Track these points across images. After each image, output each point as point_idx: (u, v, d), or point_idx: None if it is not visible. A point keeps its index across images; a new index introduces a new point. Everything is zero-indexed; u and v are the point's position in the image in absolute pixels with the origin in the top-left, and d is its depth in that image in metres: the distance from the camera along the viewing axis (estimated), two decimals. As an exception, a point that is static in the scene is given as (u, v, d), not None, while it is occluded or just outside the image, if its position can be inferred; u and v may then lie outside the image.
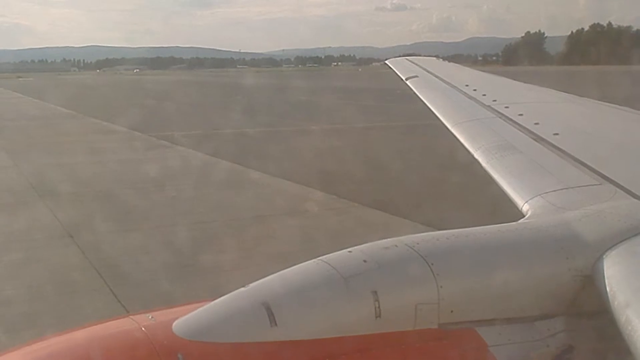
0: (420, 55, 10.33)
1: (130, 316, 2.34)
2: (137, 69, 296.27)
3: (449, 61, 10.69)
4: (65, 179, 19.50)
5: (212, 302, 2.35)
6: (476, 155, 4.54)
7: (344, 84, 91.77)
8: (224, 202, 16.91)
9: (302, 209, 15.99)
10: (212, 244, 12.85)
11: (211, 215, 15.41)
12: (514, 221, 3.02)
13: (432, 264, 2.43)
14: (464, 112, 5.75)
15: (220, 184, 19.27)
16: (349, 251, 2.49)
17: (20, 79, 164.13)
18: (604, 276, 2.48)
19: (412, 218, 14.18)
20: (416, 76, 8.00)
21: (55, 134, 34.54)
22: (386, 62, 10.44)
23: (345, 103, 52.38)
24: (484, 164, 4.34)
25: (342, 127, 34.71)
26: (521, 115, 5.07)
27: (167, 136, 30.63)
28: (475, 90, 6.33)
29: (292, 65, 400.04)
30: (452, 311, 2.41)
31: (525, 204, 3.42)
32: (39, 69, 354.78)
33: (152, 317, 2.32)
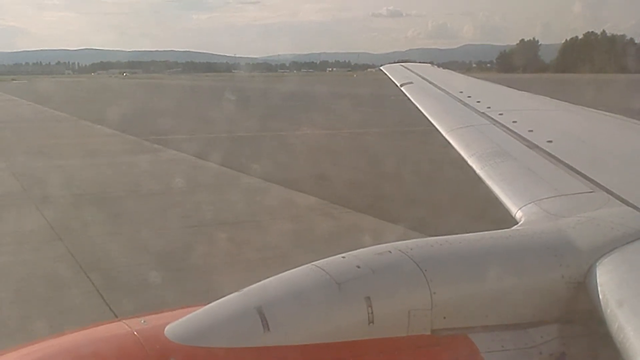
0: (415, 62, 10.33)
1: (123, 320, 2.33)
2: (125, 72, 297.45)
3: (444, 68, 10.72)
4: (50, 178, 19.62)
5: (205, 307, 2.34)
6: (470, 162, 4.55)
7: (339, 89, 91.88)
8: (209, 203, 16.99)
9: (288, 212, 16.19)
10: (197, 247, 12.93)
11: (190, 215, 15.63)
12: (507, 228, 3.02)
13: (426, 270, 2.43)
14: (458, 118, 5.77)
15: (202, 185, 19.57)
16: (343, 256, 2.49)
17: (14, 81, 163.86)
18: (596, 283, 2.49)
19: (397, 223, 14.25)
20: (411, 82, 8.01)
21: (45, 136, 34.59)
22: (381, 68, 10.46)
23: (339, 108, 52.44)
24: (477, 170, 4.35)
25: (332, 133, 34.73)
26: (515, 122, 5.08)
27: (156, 139, 30.67)
28: (469, 97, 6.35)
29: (287, 71, 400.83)
30: (445, 317, 2.41)
31: (519, 210, 3.43)
32: (33, 71, 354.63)
33: (144, 321, 2.31)
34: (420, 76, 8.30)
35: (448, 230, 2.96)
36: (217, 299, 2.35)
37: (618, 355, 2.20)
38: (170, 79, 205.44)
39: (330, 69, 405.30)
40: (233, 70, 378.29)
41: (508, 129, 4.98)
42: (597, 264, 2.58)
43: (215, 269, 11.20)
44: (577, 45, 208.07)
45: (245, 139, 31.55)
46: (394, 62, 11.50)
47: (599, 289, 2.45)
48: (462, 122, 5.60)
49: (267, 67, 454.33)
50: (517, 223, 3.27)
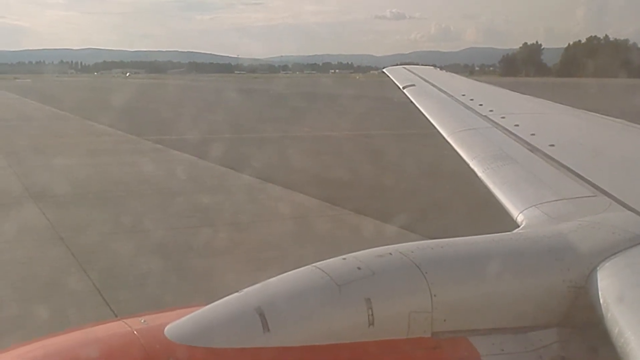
0: (418, 64, 10.34)
1: (123, 319, 2.33)
2: (128, 72, 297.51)
3: (447, 70, 10.71)
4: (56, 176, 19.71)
5: (206, 307, 2.34)
6: (472, 165, 4.54)
7: (341, 91, 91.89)
8: (201, 198, 17.23)
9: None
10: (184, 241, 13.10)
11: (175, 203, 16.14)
12: (508, 231, 3.02)
13: (426, 273, 2.43)
14: (460, 121, 5.76)
15: (192, 182, 20.05)
16: (343, 258, 2.49)
17: (17, 80, 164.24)
18: (597, 288, 2.48)
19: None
20: (413, 85, 8.01)
21: (47, 135, 34.62)
22: (384, 70, 10.46)
23: (340, 110, 52.49)
24: (479, 173, 4.35)
25: (334, 135, 34.74)
26: (517, 125, 5.08)
27: (161, 139, 30.74)
28: (472, 100, 6.34)
29: (290, 72, 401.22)
30: (445, 320, 2.41)
31: (520, 214, 3.43)
32: (36, 70, 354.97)
33: (144, 321, 2.31)
34: (422, 78, 8.29)
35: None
36: (218, 299, 2.36)
37: (619, 359, 2.19)
38: (173, 79, 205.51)
39: (333, 71, 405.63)
40: (236, 72, 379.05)
41: (510, 132, 4.98)
42: (598, 268, 2.57)
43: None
44: (580, 50, 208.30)
45: (257, 141, 31.53)
46: (397, 65, 11.50)
47: (600, 293, 2.45)
48: (464, 125, 5.60)
49: (270, 69, 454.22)
50: (519, 226, 3.27)
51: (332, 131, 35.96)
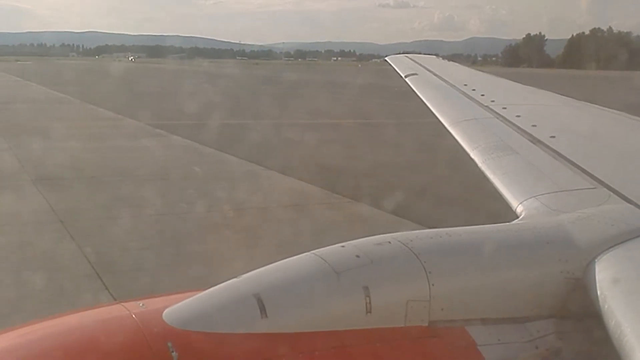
0: (420, 53, 10.29)
1: (121, 303, 2.34)
2: (132, 57, 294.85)
3: (449, 60, 10.66)
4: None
5: (204, 292, 2.35)
6: (472, 155, 4.54)
7: (342, 79, 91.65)
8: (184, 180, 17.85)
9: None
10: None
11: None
12: (508, 222, 3.02)
13: (425, 262, 2.43)
14: (461, 111, 5.75)
15: (183, 163, 20.92)
16: (342, 246, 2.49)
17: (18, 62, 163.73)
18: (595, 280, 2.49)
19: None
20: (415, 74, 7.97)
21: (48, 117, 34.50)
22: (386, 58, 10.42)
23: (338, 98, 52.51)
24: (479, 163, 4.34)
25: (329, 122, 34.76)
26: (519, 116, 5.07)
27: (161, 124, 30.76)
28: (474, 90, 6.32)
29: (292, 59, 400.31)
30: (442, 309, 2.42)
31: (520, 205, 3.43)
32: (37, 52, 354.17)
33: (143, 305, 2.31)
34: (425, 68, 8.26)
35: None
36: (216, 284, 2.36)
37: (615, 351, 2.20)
38: (178, 64, 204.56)
39: (335, 59, 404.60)
40: (237, 57, 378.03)
41: (511, 123, 4.97)
42: (596, 260, 2.58)
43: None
44: (583, 41, 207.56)
45: (245, 126, 31.53)
46: (399, 53, 11.45)
47: (597, 285, 2.45)
48: (465, 115, 5.58)
49: (271, 55, 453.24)
50: (518, 217, 3.27)
51: (319, 119, 36.03)
